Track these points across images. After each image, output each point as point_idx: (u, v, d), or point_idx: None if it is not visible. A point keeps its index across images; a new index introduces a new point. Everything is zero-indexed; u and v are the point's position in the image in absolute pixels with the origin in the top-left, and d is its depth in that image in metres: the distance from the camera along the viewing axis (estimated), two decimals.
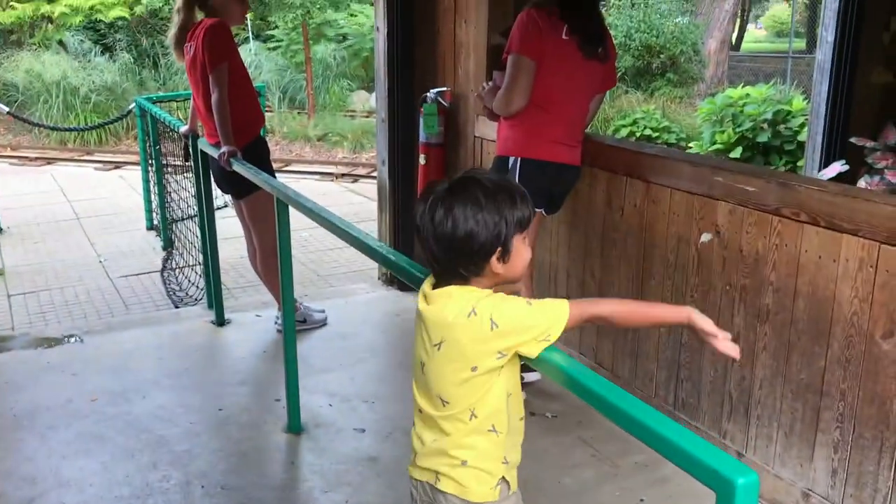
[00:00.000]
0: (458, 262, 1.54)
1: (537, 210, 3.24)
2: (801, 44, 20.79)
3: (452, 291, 1.56)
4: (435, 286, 1.61)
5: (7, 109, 7.81)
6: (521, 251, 1.56)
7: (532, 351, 1.50)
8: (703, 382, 3.00)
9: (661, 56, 13.57)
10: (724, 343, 1.50)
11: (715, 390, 2.96)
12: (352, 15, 15.62)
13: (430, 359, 1.59)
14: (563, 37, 3.10)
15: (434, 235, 1.53)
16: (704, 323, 1.51)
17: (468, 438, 1.58)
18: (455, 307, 1.53)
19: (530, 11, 3.10)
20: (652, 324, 1.50)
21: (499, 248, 1.52)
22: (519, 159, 3.18)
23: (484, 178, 1.55)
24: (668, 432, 1.24)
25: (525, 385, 3.49)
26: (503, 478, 1.63)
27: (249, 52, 14.18)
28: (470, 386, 1.55)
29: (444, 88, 4.36)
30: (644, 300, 1.51)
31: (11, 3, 14.17)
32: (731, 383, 2.89)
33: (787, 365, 2.66)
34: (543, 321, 1.49)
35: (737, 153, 8.55)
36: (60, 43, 14.31)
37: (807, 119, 7.31)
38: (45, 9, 14.38)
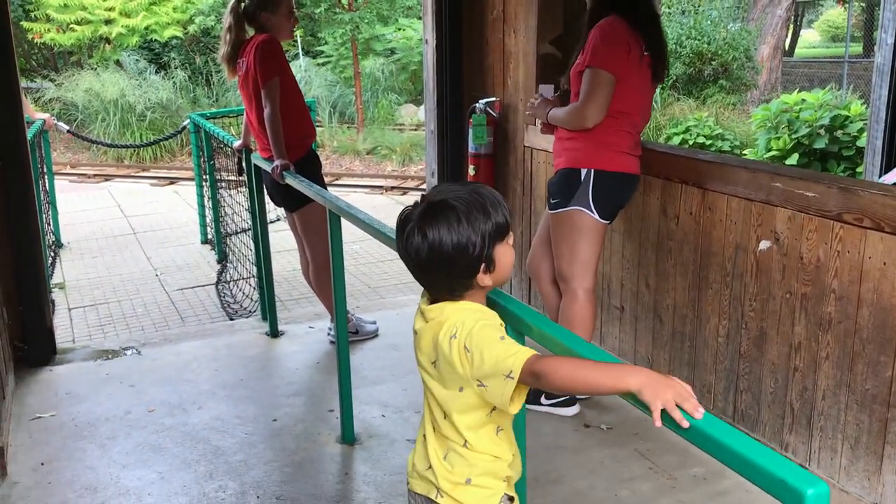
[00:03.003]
0: (445, 282, 1.56)
1: (604, 221, 3.19)
2: (857, 48, 20.30)
3: (445, 307, 1.57)
4: (431, 302, 1.61)
5: (67, 128, 8.01)
6: (505, 256, 1.56)
7: (503, 392, 1.43)
8: (764, 393, 2.93)
9: (713, 63, 13.37)
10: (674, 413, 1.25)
11: (776, 401, 2.88)
12: (399, 29, 15.75)
13: (430, 377, 1.60)
14: (645, 52, 3.05)
15: (416, 263, 1.55)
16: (657, 399, 1.25)
17: (469, 458, 1.58)
18: (445, 327, 1.53)
19: (615, 23, 2.98)
20: (592, 390, 1.38)
21: (482, 264, 1.53)
22: (592, 171, 3.09)
23: (453, 195, 1.53)
24: (732, 442, 1.21)
25: (578, 401, 3.45)
26: (506, 494, 1.62)
27: (300, 69, 14.37)
28: (462, 406, 1.55)
29: (493, 98, 4.35)
30: (600, 363, 1.34)
31: (71, 26, 14.60)
32: (792, 394, 2.81)
33: (851, 375, 2.58)
34: (505, 355, 1.42)
35: (793, 160, 8.35)
36: (117, 63, 14.70)
37: (865, 124, 7.13)
38: (103, 30, 14.79)
